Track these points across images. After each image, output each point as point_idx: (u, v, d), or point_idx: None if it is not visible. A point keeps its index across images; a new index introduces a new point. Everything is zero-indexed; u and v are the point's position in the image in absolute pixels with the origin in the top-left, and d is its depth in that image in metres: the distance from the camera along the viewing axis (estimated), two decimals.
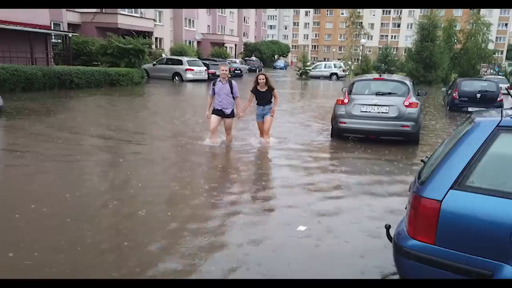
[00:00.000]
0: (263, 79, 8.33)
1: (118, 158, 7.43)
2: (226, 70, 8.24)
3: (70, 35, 23.58)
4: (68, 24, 27.77)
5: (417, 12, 62.58)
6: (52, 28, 23.85)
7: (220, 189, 5.86)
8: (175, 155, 8.01)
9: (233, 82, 8.28)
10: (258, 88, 8.42)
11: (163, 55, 33.11)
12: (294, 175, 6.68)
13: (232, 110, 8.33)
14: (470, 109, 14.67)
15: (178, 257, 3.75)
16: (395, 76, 11.00)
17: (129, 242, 4.00)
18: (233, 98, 8.27)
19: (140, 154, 7.66)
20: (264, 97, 8.51)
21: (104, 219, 4.61)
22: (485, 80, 17.87)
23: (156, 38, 37.77)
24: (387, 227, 3.37)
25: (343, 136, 9.41)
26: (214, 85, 8.27)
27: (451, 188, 2.61)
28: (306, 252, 3.97)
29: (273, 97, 8.59)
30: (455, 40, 41.61)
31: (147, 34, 30.70)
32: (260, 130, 8.79)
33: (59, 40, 25.12)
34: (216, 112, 8.29)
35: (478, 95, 15.44)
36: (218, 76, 8.42)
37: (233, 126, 8.78)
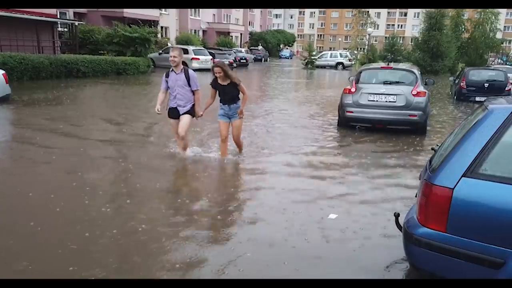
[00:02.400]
0: (219, 72, 6.26)
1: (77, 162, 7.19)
2: (176, 56, 6.22)
3: (76, 23, 23.55)
4: (74, 12, 27.75)
5: None
6: (58, 16, 23.83)
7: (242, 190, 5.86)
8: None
9: (191, 71, 6.42)
10: (219, 81, 6.41)
11: (169, 44, 33.00)
12: (307, 168, 6.68)
13: (191, 107, 6.52)
14: (477, 98, 14.58)
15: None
16: (402, 65, 10.92)
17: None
18: (192, 92, 6.47)
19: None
20: (227, 93, 6.45)
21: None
22: (493, 70, 17.71)
23: (161, 27, 37.61)
24: (396, 215, 3.38)
25: (350, 125, 9.38)
26: (166, 76, 6.43)
27: (463, 175, 2.60)
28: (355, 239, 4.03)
29: (240, 93, 6.56)
30: (463, 29, 41.10)
31: (152, 23, 30.59)
32: (221, 133, 6.65)
33: (65, 29, 25.10)
34: (172, 113, 6.56)
35: (486, 85, 15.32)
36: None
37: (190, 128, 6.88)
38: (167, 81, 6.43)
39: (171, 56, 6.24)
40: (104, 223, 4.14)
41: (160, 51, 28.09)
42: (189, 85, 6.38)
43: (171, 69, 6.40)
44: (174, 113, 6.55)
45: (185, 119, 6.49)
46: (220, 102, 6.57)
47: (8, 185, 5.19)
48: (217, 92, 6.53)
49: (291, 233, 4.09)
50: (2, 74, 10.67)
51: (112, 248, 3.67)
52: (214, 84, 6.47)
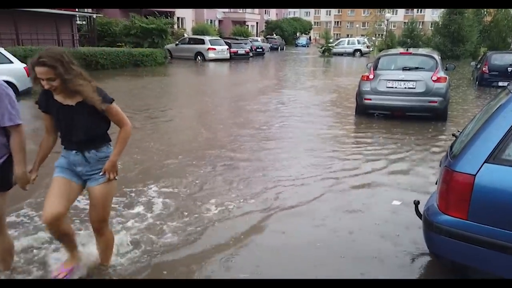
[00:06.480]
0: (51, 77, 2.57)
1: None
2: None
3: (94, 16, 23.76)
4: None
5: None
6: (77, 10, 24.09)
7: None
8: None
9: None
10: (56, 97, 2.77)
11: (185, 35, 33.06)
12: (342, 162, 6.62)
13: (8, 165, 2.72)
14: (500, 83, 14.21)
15: None
16: (422, 50, 10.71)
17: None
18: (4, 132, 2.67)
19: None
20: (75, 127, 2.77)
21: None
22: None
23: (178, 18, 37.68)
24: (416, 203, 3.33)
25: (368, 113, 9.26)
26: None
27: (485, 161, 2.55)
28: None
29: (116, 125, 2.90)
30: (485, 12, 39.99)
31: (169, 14, 30.65)
32: (46, 206, 2.71)
33: (83, 22, 25.39)
34: None
35: (510, 69, 14.92)
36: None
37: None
38: None
39: None
40: None
41: (177, 42, 28.19)
42: None
43: None
44: None
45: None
46: (62, 143, 2.91)
47: None
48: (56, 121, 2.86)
49: None
50: (24, 67, 10.84)
51: None
52: (45, 104, 2.86)
